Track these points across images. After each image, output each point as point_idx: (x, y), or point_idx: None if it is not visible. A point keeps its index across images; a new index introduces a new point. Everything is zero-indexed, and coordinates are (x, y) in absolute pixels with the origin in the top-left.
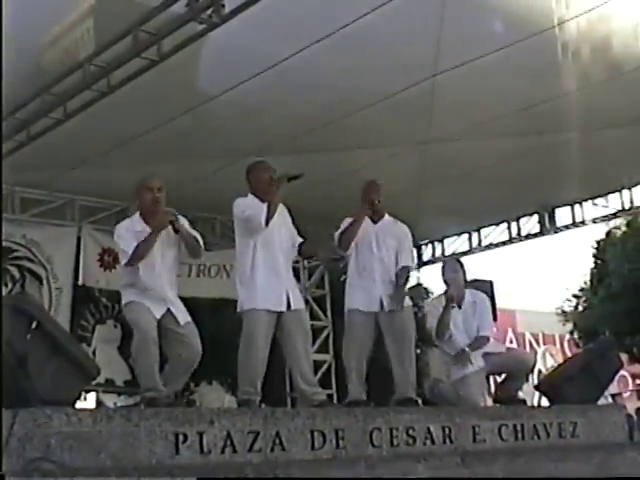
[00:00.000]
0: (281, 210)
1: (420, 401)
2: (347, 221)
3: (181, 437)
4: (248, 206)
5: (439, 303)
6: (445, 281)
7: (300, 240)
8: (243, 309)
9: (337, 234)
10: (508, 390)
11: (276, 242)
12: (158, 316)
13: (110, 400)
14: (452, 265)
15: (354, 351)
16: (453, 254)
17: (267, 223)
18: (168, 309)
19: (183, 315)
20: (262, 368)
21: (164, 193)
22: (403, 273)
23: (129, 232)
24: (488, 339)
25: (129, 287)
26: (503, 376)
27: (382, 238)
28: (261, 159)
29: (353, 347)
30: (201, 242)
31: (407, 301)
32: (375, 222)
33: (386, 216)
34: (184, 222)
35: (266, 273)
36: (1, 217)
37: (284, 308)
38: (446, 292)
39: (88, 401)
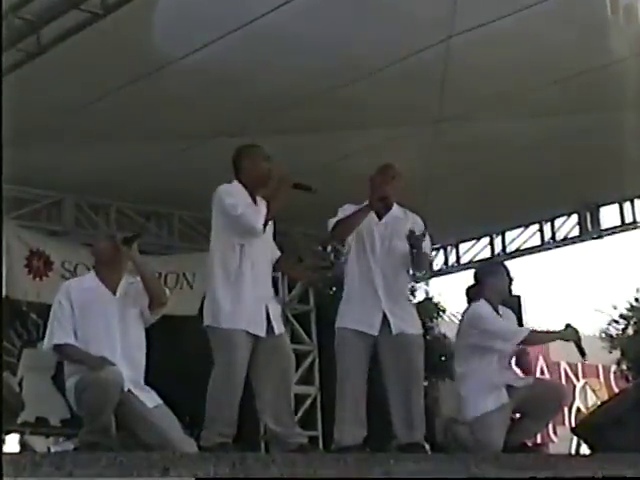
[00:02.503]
0: None
1: (428, 446)
2: (347, 209)
3: None
4: (240, 201)
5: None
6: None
7: (278, 254)
8: (221, 327)
9: (332, 221)
10: (520, 434)
11: (260, 246)
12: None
13: (42, 444)
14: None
15: (351, 380)
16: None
17: (264, 227)
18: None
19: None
20: (237, 403)
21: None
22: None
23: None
24: None
25: None
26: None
27: (389, 238)
28: (256, 144)
29: (349, 375)
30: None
31: (418, 326)
32: (380, 217)
33: (395, 207)
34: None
35: (251, 284)
36: (1, 217)
37: (263, 333)
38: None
39: (9, 444)
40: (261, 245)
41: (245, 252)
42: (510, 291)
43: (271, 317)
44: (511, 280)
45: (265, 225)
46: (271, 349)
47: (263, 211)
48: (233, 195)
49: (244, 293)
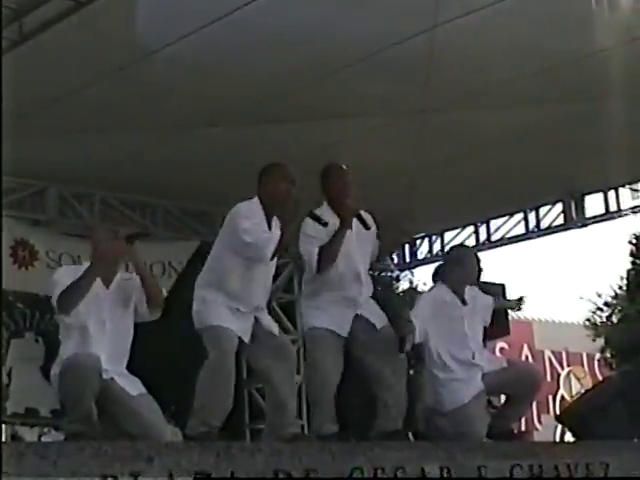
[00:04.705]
0: None
1: (411, 435)
2: (310, 228)
3: None
4: (252, 227)
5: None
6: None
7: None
8: (211, 324)
9: (309, 250)
10: (504, 421)
11: (262, 266)
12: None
13: (32, 435)
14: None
15: (331, 381)
16: None
17: (273, 257)
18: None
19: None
20: (230, 396)
21: None
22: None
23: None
24: None
25: None
26: (503, 399)
27: (359, 242)
28: (282, 163)
29: (330, 376)
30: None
31: (385, 318)
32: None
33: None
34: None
35: (243, 299)
36: (1, 217)
37: (247, 339)
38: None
39: None
40: (263, 265)
41: (245, 271)
42: (478, 279)
43: (263, 324)
44: (480, 269)
45: (275, 253)
46: (274, 351)
47: (275, 239)
48: (249, 218)
49: (233, 306)
